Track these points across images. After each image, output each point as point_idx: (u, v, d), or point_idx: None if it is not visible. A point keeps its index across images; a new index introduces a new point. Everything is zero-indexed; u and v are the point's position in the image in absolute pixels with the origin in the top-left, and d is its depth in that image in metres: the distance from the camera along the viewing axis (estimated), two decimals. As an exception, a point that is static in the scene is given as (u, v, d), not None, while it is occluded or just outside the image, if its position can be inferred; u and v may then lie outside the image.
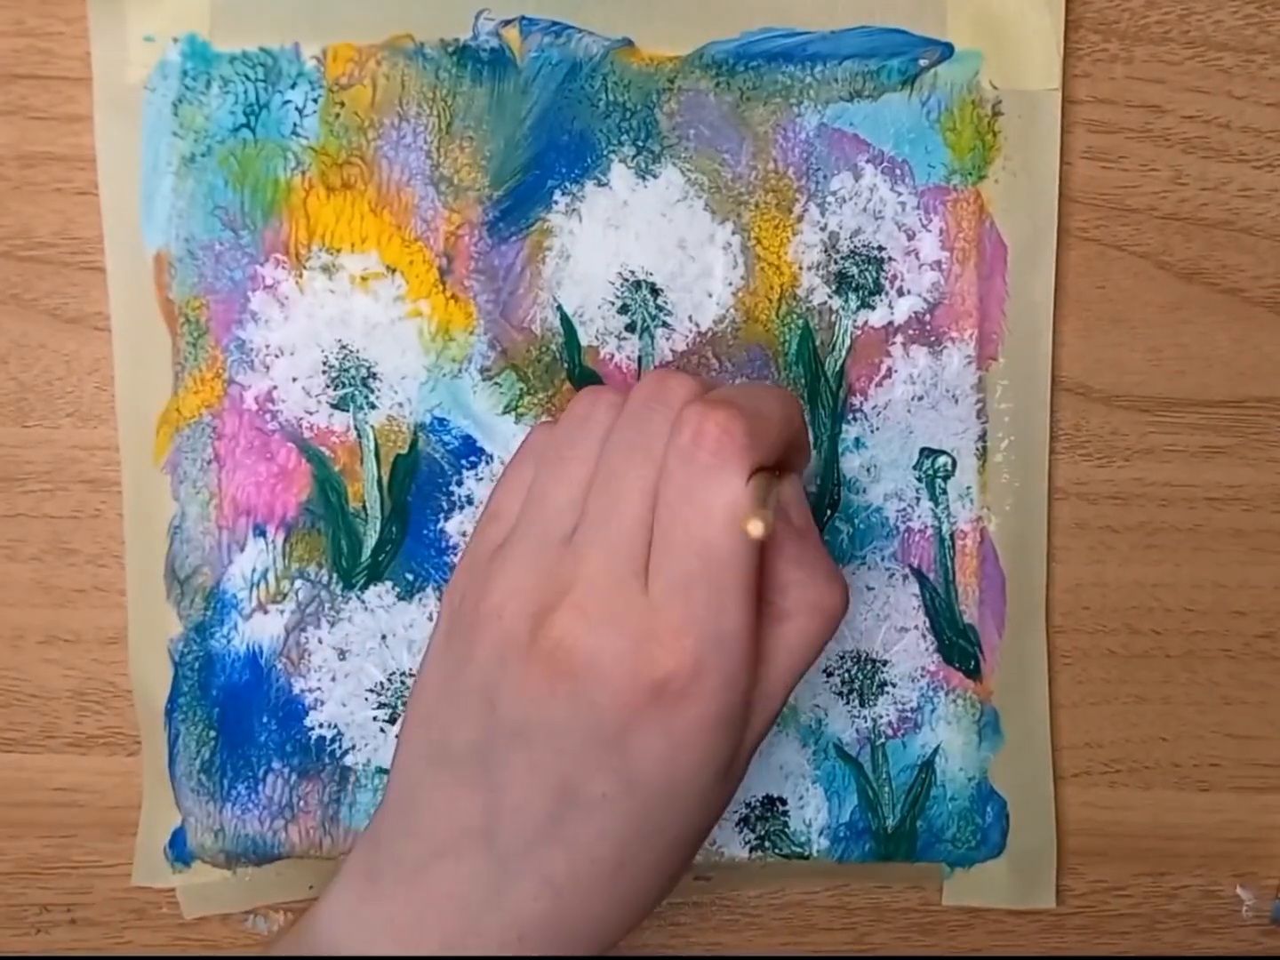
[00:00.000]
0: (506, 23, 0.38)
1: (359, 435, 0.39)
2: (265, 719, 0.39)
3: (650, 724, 0.29)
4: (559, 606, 0.29)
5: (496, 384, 0.39)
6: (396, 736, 0.33)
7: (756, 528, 0.27)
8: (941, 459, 0.39)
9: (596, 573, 0.29)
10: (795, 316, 0.39)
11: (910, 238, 0.39)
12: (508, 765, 0.30)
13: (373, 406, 0.39)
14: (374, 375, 0.39)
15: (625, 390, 0.32)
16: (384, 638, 0.39)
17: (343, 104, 0.38)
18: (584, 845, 0.30)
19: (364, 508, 0.39)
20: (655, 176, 0.39)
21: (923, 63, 0.38)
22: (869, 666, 0.40)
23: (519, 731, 0.30)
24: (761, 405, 0.31)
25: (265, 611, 0.39)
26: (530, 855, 0.30)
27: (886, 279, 0.39)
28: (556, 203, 0.39)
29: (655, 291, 0.39)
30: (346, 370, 0.39)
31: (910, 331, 0.39)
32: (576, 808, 0.30)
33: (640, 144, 0.39)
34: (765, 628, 0.31)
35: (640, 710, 0.29)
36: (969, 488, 0.40)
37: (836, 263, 0.39)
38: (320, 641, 0.39)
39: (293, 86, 0.38)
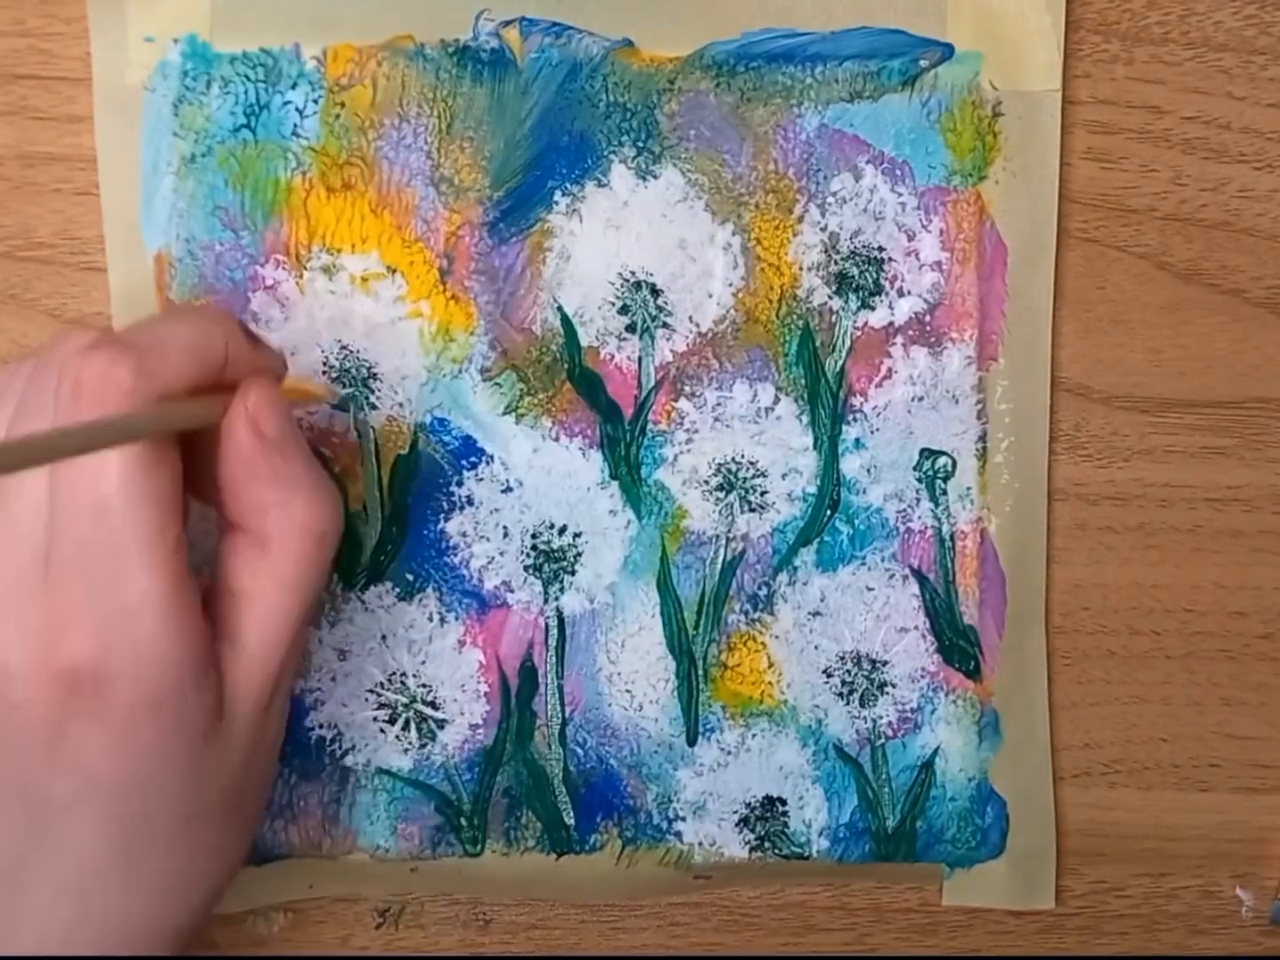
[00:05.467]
0: (507, 23, 0.38)
1: (359, 436, 0.39)
2: (265, 719, 0.39)
3: (82, 717, 0.26)
4: None
5: (497, 384, 0.39)
6: None
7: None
8: (941, 460, 0.39)
9: None
10: (795, 317, 0.39)
11: (910, 238, 0.39)
12: None
13: (373, 407, 0.39)
14: (374, 376, 0.39)
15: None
16: (384, 638, 0.39)
17: (343, 104, 0.38)
18: (81, 849, 0.27)
19: (364, 508, 0.39)
20: (655, 177, 0.39)
21: (923, 63, 0.38)
22: (869, 667, 0.40)
23: None
24: (161, 334, 0.27)
25: (265, 612, 0.39)
26: (30, 869, 0.27)
27: (887, 279, 0.39)
28: (557, 203, 0.39)
29: (655, 292, 0.39)
30: (347, 371, 0.39)
31: (910, 332, 0.39)
32: (53, 816, 0.27)
33: (640, 144, 0.39)
34: (251, 560, 0.28)
35: (64, 703, 0.26)
36: (969, 488, 0.40)
37: (837, 263, 0.39)
38: (320, 641, 0.39)
39: (293, 87, 0.38)
